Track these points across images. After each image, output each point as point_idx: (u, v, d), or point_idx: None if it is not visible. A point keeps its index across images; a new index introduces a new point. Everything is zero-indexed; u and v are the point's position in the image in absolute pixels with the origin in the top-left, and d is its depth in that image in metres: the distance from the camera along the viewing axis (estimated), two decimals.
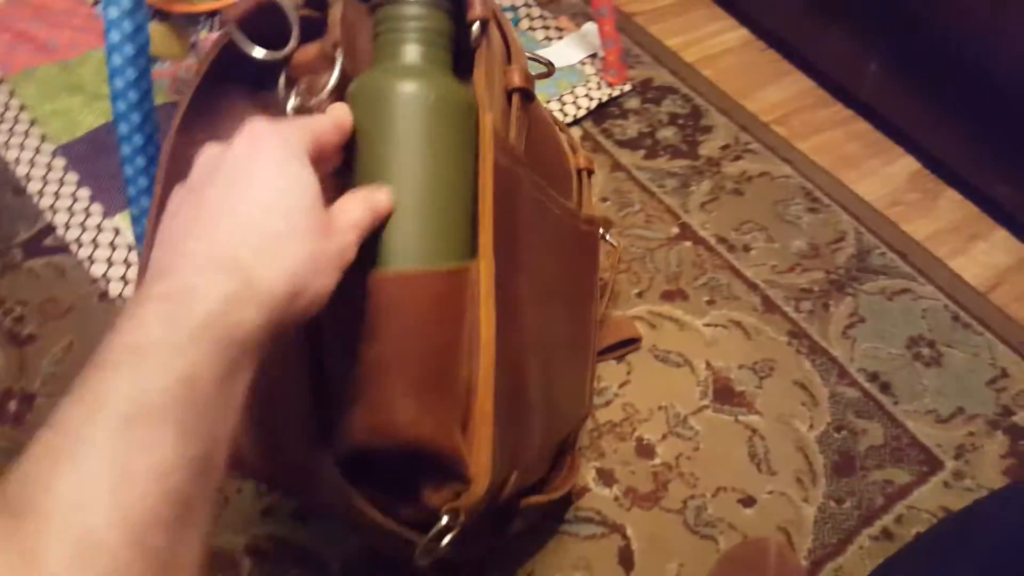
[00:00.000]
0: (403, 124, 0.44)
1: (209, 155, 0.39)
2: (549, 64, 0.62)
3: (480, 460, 0.43)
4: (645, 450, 0.81)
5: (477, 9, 0.48)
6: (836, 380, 0.88)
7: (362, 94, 0.45)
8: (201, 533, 0.29)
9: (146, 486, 0.26)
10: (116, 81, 0.68)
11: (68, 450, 0.26)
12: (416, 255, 0.43)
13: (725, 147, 1.09)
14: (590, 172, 0.76)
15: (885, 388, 0.88)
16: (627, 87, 1.13)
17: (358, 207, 0.41)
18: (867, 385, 0.88)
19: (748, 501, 0.78)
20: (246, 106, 0.48)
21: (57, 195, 0.97)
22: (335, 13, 0.46)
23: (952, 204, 1.07)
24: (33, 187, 0.98)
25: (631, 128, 1.11)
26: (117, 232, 0.94)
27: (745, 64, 1.21)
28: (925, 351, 0.91)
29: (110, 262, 0.92)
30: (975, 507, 0.60)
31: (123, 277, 0.91)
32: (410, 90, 0.44)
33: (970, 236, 1.04)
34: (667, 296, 0.94)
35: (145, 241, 0.46)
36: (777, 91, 1.18)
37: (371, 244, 0.43)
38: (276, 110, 0.46)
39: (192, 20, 1.06)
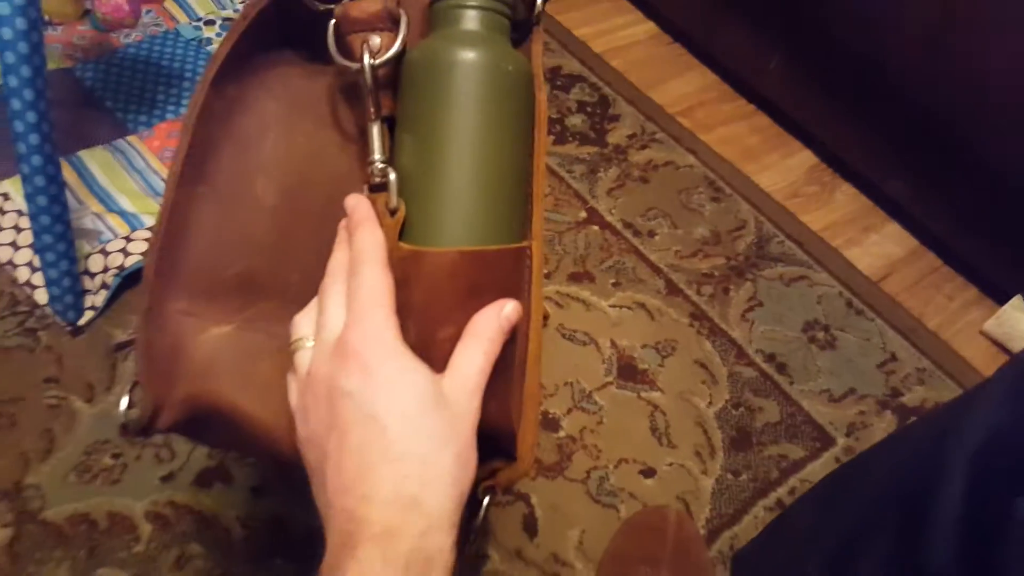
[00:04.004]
0: (469, 94, 0.43)
1: (327, 385, 0.40)
2: None
3: (527, 439, 0.44)
4: (551, 423, 0.86)
5: None
6: (735, 360, 0.95)
7: (425, 62, 0.44)
8: None
9: None
10: (4, 31, 0.68)
11: None
12: (482, 232, 0.43)
13: (632, 136, 1.17)
14: None
15: (781, 368, 0.96)
16: None
17: (476, 356, 0.41)
18: (764, 365, 0.96)
19: (649, 472, 0.85)
20: (285, 64, 0.49)
21: None
22: None
23: (847, 197, 1.18)
24: None
25: None
26: (5, 197, 0.92)
27: (652, 57, 1.30)
28: (820, 335, 1.00)
29: None
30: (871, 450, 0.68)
31: (12, 243, 0.89)
32: (479, 59, 0.43)
33: (864, 228, 1.14)
34: (574, 278, 1.00)
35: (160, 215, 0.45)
36: (682, 84, 1.27)
37: (433, 218, 0.43)
38: (318, 67, 0.47)
39: None
